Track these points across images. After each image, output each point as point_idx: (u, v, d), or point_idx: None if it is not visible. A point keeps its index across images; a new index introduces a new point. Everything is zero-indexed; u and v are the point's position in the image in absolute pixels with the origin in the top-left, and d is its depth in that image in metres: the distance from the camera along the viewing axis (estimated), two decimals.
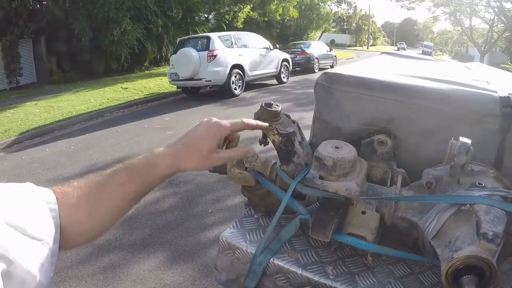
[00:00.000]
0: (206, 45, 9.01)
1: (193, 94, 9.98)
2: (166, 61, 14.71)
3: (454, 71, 1.35)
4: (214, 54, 8.75)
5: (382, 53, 1.78)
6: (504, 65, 16.41)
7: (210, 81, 8.79)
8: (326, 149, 0.84)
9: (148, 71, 15.10)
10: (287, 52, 12.73)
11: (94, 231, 0.58)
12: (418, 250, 0.83)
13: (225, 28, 16.99)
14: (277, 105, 0.86)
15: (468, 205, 0.71)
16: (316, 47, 15.86)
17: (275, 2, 21.49)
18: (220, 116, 7.05)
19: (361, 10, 58.23)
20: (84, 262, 2.63)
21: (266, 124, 0.81)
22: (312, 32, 30.03)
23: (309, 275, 0.79)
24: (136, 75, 14.01)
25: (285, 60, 11.30)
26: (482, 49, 26.51)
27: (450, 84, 1.00)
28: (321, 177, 0.82)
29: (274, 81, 11.25)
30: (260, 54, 10.25)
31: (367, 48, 49.48)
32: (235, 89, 9.19)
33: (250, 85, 10.18)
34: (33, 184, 0.53)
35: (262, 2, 20.83)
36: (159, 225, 3.10)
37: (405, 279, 0.78)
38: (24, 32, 12.29)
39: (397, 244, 0.86)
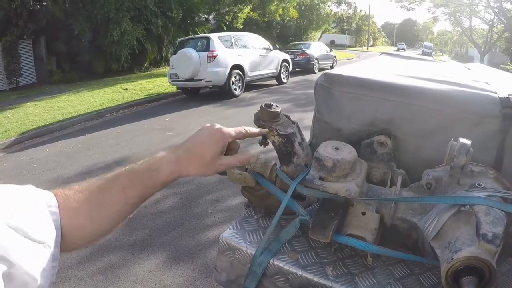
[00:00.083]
0: (206, 45, 9.02)
1: (193, 94, 9.98)
2: (166, 61, 14.71)
3: (453, 72, 1.35)
4: (214, 54, 8.76)
5: (382, 53, 1.78)
6: (504, 66, 16.42)
7: (210, 81, 8.80)
8: (326, 150, 0.84)
9: (148, 72, 15.10)
10: (287, 52, 12.75)
11: (94, 234, 0.58)
12: (418, 251, 0.83)
13: (225, 29, 17.00)
14: (277, 106, 0.86)
15: (468, 206, 0.71)
16: (316, 47, 15.87)
17: (275, 3, 21.51)
18: (221, 116, 7.08)
19: (361, 11, 58.31)
20: (84, 263, 2.63)
21: (267, 129, 0.83)
22: (312, 32, 30.05)
23: (309, 276, 0.79)
24: (136, 75, 14.02)
25: (285, 60, 11.31)
26: (482, 49, 26.53)
27: (450, 85, 1.00)
28: (321, 178, 0.82)
29: (274, 82, 11.25)
30: (260, 55, 10.25)
31: (367, 48, 49.51)
32: (235, 89, 9.19)
33: (250, 86, 10.19)
34: (34, 187, 0.53)
35: (262, 2, 20.84)
36: (159, 226, 3.10)
37: (405, 280, 0.78)
38: (24, 33, 12.30)
39: (397, 245, 0.86)
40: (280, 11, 22.38)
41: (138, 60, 14.74)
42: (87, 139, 6.18)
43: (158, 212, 3.31)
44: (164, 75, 11.93)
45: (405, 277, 0.79)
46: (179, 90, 9.99)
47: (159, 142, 5.58)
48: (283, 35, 26.23)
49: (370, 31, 55.92)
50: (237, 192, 3.36)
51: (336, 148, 0.85)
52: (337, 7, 53.46)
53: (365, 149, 0.97)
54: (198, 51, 8.91)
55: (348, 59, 23.10)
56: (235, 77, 9.18)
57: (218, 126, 0.65)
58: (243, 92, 9.52)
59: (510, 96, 0.90)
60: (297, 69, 14.00)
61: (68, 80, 12.87)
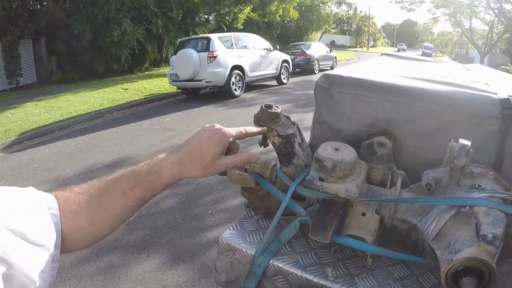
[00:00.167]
0: (206, 46, 9.02)
1: (193, 95, 9.98)
2: (166, 62, 14.72)
3: (454, 73, 1.35)
4: (214, 55, 8.76)
5: (382, 54, 1.79)
6: (504, 67, 16.43)
7: (210, 82, 8.80)
8: (326, 150, 0.84)
9: (148, 72, 15.11)
10: (287, 53, 12.76)
11: (95, 236, 0.58)
12: (417, 252, 0.83)
13: (225, 29, 17.02)
14: (277, 106, 0.86)
15: (468, 207, 0.71)
16: (316, 48, 15.87)
17: (275, 3, 21.53)
18: (221, 117, 7.08)
19: (361, 11, 58.35)
20: (83, 263, 2.63)
21: (266, 128, 0.83)
22: (312, 33, 30.06)
23: (309, 277, 0.79)
24: (136, 76, 14.02)
25: (285, 61, 11.32)
26: (482, 50, 26.54)
27: (450, 86, 1.00)
28: (321, 179, 0.82)
29: (274, 82, 11.26)
30: (260, 55, 10.26)
31: (367, 49, 49.53)
32: (235, 90, 9.20)
33: (250, 86, 10.19)
34: (35, 189, 0.53)
35: (262, 3, 20.86)
36: (159, 226, 3.10)
37: (404, 281, 0.78)
38: (25, 33, 12.31)
39: (397, 245, 0.86)
40: (280, 12, 22.40)
41: (138, 60, 14.74)
42: (87, 139, 6.18)
43: (158, 212, 3.31)
44: (164, 75, 11.93)
45: (405, 278, 0.79)
46: (179, 90, 9.99)
47: (159, 142, 5.58)
48: (283, 36, 26.24)
49: (370, 31, 55.95)
50: (237, 192, 3.36)
51: (336, 149, 0.85)
52: (337, 8, 53.58)
53: (365, 150, 0.97)
54: (198, 51, 8.92)
55: (348, 60, 23.10)
56: (235, 77, 9.18)
57: (218, 126, 0.65)
58: (243, 92, 9.52)
59: (510, 97, 0.90)
60: (297, 69, 14.00)
61: (68, 80, 12.88)
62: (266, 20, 22.82)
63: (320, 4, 30.08)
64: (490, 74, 1.48)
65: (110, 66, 13.90)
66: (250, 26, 20.79)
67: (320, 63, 15.13)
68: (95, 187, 0.58)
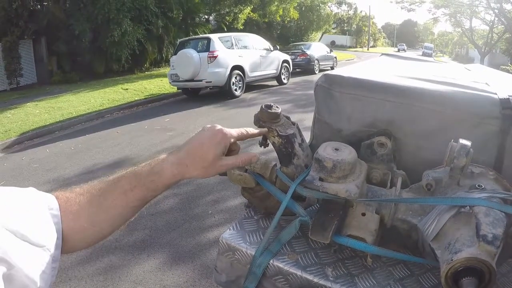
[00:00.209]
0: (206, 46, 9.02)
1: (194, 95, 9.99)
2: (167, 62, 14.72)
3: (454, 73, 1.35)
4: (215, 55, 8.76)
5: (382, 54, 1.78)
6: (504, 67, 16.42)
7: (211, 82, 8.80)
8: (326, 150, 0.84)
9: (149, 72, 15.11)
10: (287, 53, 12.76)
11: (95, 237, 0.58)
12: (418, 252, 0.83)
13: (226, 29, 17.03)
14: (277, 106, 0.86)
15: (468, 207, 0.71)
16: (316, 48, 15.87)
17: (276, 3, 21.53)
18: (221, 117, 7.07)
19: (361, 11, 58.35)
20: (84, 263, 2.63)
21: (266, 129, 0.83)
22: (312, 33, 30.06)
23: (309, 277, 0.79)
24: (137, 76, 14.03)
25: (285, 61, 11.32)
26: (483, 50, 26.53)
27: (450, 86, 1.00)
28: (321, 179, 0.82)
29: (275, 82, 11.26)
30: (261, 55, 10.26)
31: (368, 49, 49.52)
32: (236, 90, 9.20)
33: (250, 86, 10.20)
34: (35, 189, 0.53)
35: (262, 3, 20.86)
36: (159, 226, 3.10)
37: (404, 281, 0.78)
38: (25, 33, 12.31)
39: (397, 246, 0.86)
40: (281, 12, 22.41)
41: (139, 60, 14.74)
42: (87, 140, 6.18)
43: (158, 212, 3.31)
44: (164, 75, 11.94)
45: (405, 278, 0.79)
46: (179, 90, 10.00)
47: (159, 142, 5.58)
48: (284, 36, 26.25)
49: (370, 32, 55.95)
50: (237, 193, 3.36)
51: (336, 149, 0.85)
52: (338, 8, 53.59)
53: (365, 150, 0.97)
54: (198, 51, 8.92)
55: (348, 60, 23.10)
56: (236, 77, 9.18)
57: (219, 127, 0.65)
58: (244, 92, 9.52)
59: (510, 97, 0.90)
60: (297, 69, 14.01)
61: (68, 81, 12.88)
62: (266, 20, 22.83)
63: (320, 4, 30.10)
64: (490, 74, 1.48)
65: (110, 66, 13.90)
66: (250, 26, 20.79)
67: (320, 63, 15.13)
68: (96, 187, 0.58)
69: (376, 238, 0.79)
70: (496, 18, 23.78)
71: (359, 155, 0.91)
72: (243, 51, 9.74)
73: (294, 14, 23.93)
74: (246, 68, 9.51)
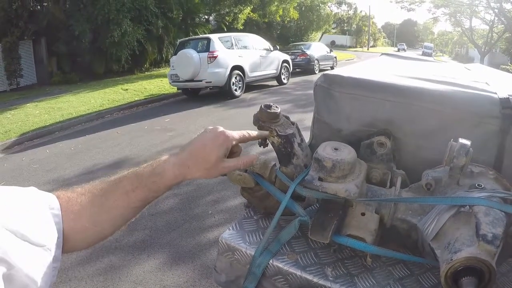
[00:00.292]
0: (206, 46, 9.02)
1: (194, 95, 9.99)
2: (167, 62, 14.73)
3: (454, 72, 1.35)
4: (215, 55, 8.76)
5: (382, 54, 1.78)
6: (504, 66, 16.42)
7: (211, 82, 8.80)
8: (326, 150, 0.84)
9: (149, 73, 15.11)
10: (287, 53, 12.75)
11: (96, 237, 0.58)
12: (417, 252, 0.83)
13: (226, 30, 17.02)
14: (276, 106, 0.86)
15: (468, 206, 0.71)
16: (316, 48, 15.87)
17: (275, 3, 21.52)
18: (221, 117, 7.07)
19: (361, 11, 58.35)
20: (84, 264, 2.63)
21: (267, 132, 0.83)
22: (312, 33, 30.06)
23: (308, 277, 0.78)
24: (137, 76, 14.03)
25: (285, 61, 11.31)
26: (482, 50, 26.52)
27: (449, 86, 1.00)
28: (320, 179, 0.82)
29: (275, 82, 11.26)
30: (260, 55, 10.26)
31: (368, 49, 49.52)
32: (236, 90, 9.20)
33: (250, 86, 10.20)
34: (36, 189, 0.53)
35: (262, 3, 20.86)
36: (159, 227, 3.10)
37: (404, 281, 0.78)
38: (25, 34, 12.31)
39: (396, 245, 0.86)
40: (281, 12, 22.40)
41: (139, 61, 14.75)
42: (87, 140, 6.18)
43: (158, 213, 3.31)
44: (164, 76, 11.94)
45: (404, 277, 0.79)
46: (179, 91, 10.00)
47: (159, 143, 5.58)
48: (284, 36, 26.24)
49: (370, 31, 55.95)
50: (237, 193, 3.36)
51: (336, 149, 0.85)
52: (338, 8, 53.59)
53: (365, 149, 0.97)
54: (198, 51, 8.92)
55: (348, 60, 23.10)
56: (236, 77, 9.18)
57: (221, 129, 0.65)
58: (244, 92, 9.52)
59: (510, 97, 0.90)
60: (297, 69, 14.00)
61: (68, 81, 12.88)
62: (266, 20, 22.82)
63: (320, 4, 30.08)
64: (490, 74, 1.48)
65: (110, 66, 13.90)
66: (250, 27, 20.79)
67: (320, 63, 15.13)
68: (97, 187, 0.58)
69: (375, 238, 0.79)
70: (496, 18, 23.77)
71: (358, 154, 0.91)
72: (243, 51, 9.74)
73: (294, 14, 23.92)
74: (246, 68, 9.51)
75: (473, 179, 0.81)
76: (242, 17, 19.40)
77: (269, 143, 0.88)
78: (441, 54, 62.20)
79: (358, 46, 55.33)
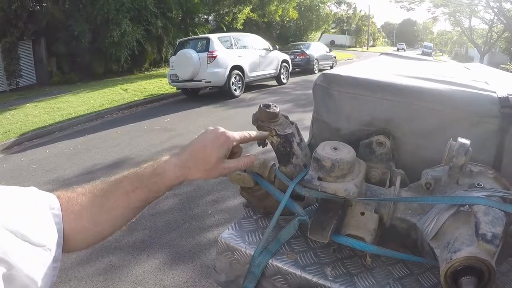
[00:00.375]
0: (205, 46, 9.02)
1: (193, 95, 9.98)
2: (166, 62, 14.72)
3: (453, 72, 1.34)
4: (214, 55, 8.76)
5: (382, 54, 1.78)
6: (503, 66, 16.42)
7: (210, 82, 8.80)
8: (325, 150, 0.84)
9: (148, 73, 15.10)
10: (286, 53, 12.75)
11: (96, 237, 0.58)
12: (417, 251, 0.83)
13: (225, 29, 17.01)
14: (275, 106, 0.86)
15: (467, 206, 0.71)
16: (315, 48, 15.87)
17: (275, 3, 21.50)
18: (221, 117, 7.06)
19: (360, 11, 58.30)
20: (84, 264, 2.63)
21: (267, 132, 0.83)
22: (311, 33, 30.05)
23: (308, 276, 0.78)
24: (136, 76, 14.02)
25: (284, 61, 11.31)
26: (482, 49, 26.52)
27: (449, 85, 1.00)
28: (319, 178, 0.82)
29: (274, 82, 11.26)
30: (260, 55, 10.26)
31: (367, 49, 49.52)
32: (235, 90, 9.20)
33: (250, 86, 10.19)
34: (37, 189, 0.53)
35: (261, 3, 20.83)
36: (159, 227, 3.09)
37: (404, 280, 0.78)
38: (24, 34, 12.30)
39: (396, 245, 0.86)
40: (280, 12, 22.38)
41: (138, 61, 14.73)
42: (87, 140, 6.17)
43: (158, 212, 3.31)
44: (164, 76, 11.93)
45: (404, 277, 0.79)
46: (179, 90, 9.99)
47: (159, 142, 5.57)
48: (283, 36, 26.23)
49: (370, 31, 55.94)
50: (237, 192, 3.35)
51: (335, 148, 0.85)
52: (337, 8, 53.56)
53: (364, 149, 0.97)
54: (198, 51, 8.91)
55: (348, 60, 23.10)
56: (235, 77, 9.18)
57: (222, 129, 0.65)
58: (243, 92, 9.52)
59: (509, 96, 0.90)
60: (297, 69, 13.99)
61: (68, 81, 12.87)
62: (265, 20, 22.80)
63: (320, 4, 30.07)
64: (490, 73, 1.48)
65: (109, 66, 13.89)
66: (249, 26, 20.78)
67: (319, 62, 15.12)
68: (98, 188, 0.58)
69: (375, 237, 0.79)
70: (496, 17, 23.76)
71: (357, 154, 0.90)
72: (242, 51, 9.74)
73: (293, 14, 23.90)
74: (246, 68, 9.51)
75: (473, 178, 0.81)
76: (241, 17, 19.39)
77: (268, 143, 0.88)
78: (441, 53, 62.22)
79: (357, 46, 55.33)
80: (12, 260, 0.40)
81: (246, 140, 0.69)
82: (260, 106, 0.85)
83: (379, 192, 0.88)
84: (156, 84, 11.54)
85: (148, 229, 3.05)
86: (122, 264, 2.62)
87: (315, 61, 14.67)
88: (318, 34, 32.98)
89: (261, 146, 0.89)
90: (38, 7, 13.63)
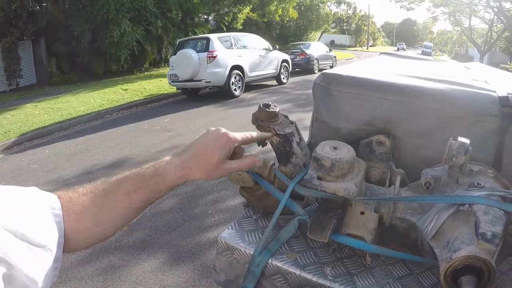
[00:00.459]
0: (205, 46, 9.02)
1: (193, 95, 9.98)
2: (166, 62, 14.72)
3: (453, 71, 1.34)
4: (214, 55, 8.76)
5: (381, 53, 1.78)
6: (503, 65, 16.43)
7: (210, 82, 8.80)
8: (324, 149, 0.84)
9: (148, 73, 15.10)
10: (286, 53, 12.75)
11: (97, 237, 0.58)
12: (417, 251, 0.83)
13: (225, 29, 17.00)
14: (275, 106, 0.86)
15: (467, 205, 0.71)
16: (315, 48, 15.87)
17: (275, 3, 21.49)
18: (220, 117, 7.06)
19: (360, 11, 58.35)
20: (83, 264, 2.63)
21: (270, 133, 0.83)
22: (311, 32, 30.05)
23: (308, 276, 0.78)
24: (136, 76, 14.02)
25: (284, 61, 11.31)
26: (482, 49, 26.51)
27: (449, 84, 1.00)
28: (319, 178, 0.81)
29: (274, 82, 11.26)
30: (260, 55, 10.26)
31: (367, 48, 49.53)
32: (235, 90, 9.19)
33: (249, 86, 10.19)
34: (38, 189, 0.53)
35: (261, 3, 20.83)
36: (159, 226, 3.09)
37: (404, 280, 0.78)
38: (24, 34, 12.31)
39: (396, 244, 0.86)
40: (280, 12, 22.37)
41: (138, 61, 14.73)
42: (86, 140, 6.17)
43: (158, 212, 3.31)
44: (163, 76, 11.93)
45: (404, 276, 0.79)
46: (178, 90, 9.99)
47: (158, 142, 5.57)
48: (283, 36, 26.23)
49: (369, 31, 55.94)
50: (237, 192, 3.35)
51: (335, 148, 0.85)
52: (337, 7, 53.59)
53: (364, 148, 0.97)
54: (197, 51, 8.91)
55: (347, 59, 23.10)
56: (235, 77, 9.18)
57: (224, 130, 0.65)
58: (243, 92, 9.52)
59: (509, 95, 0.90)
60: (296, 69, 14.00)
61: (67, 81, 12.87)
62: (265, 20, 22.80)
63: (320, 4, 30.07)
64: (490, 73, 1.48)
65: (109, 67, 13.89)
66: (249, 26, 20.78)
67: (319, 62, 15.12)
68: (99, 188, 0.58)
69: (375, 237, 0.79)
70: (495, 17, 23.75)
71: (357, 153, 0.90)
72: (242, 51, 9.74)
73: (293, 13, 23.90)
74: (246, 68, 9.51)
75: (472, 177, 0.81)
76: (241, 17, 19.39)
77: (268, 143, 0.88)
78: (441, 53, 62.20)
79: (357, 46, 55.34)
80: (12, 260, 0.40)
81: (248, 141, 0.69)
82: (259, 105, 0.85)
83: (379, 191, 0.88)
84: (156, 84, 11.54)
85: (148, 229, 3.05)
86: (122, 264, 2.62)
87: (315, 61, 14.67)
88: (318, 34, 32.98)
89: (260, 146, 0.89)
90: (38, 7, 13.63)
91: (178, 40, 10.48)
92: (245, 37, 10.68)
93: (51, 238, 0.48)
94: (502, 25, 23.27)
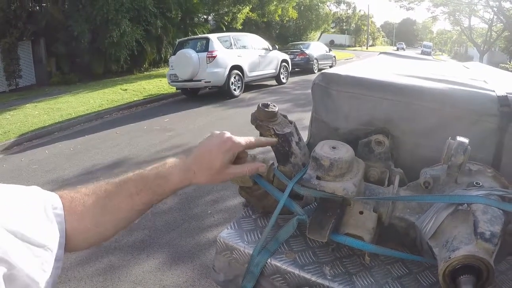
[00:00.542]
0: (205, 46, 9.02)
1: (193, 95, 9.98)
2: (166, 62, 14.72)
3: (452, 71, 1.34)
4: (213, 55, 8.76)
5: (381, 53, 1.78)
6: (503, 65, 16.43)
7: (210, 82, 8.80)
8: (323, 149, 0.84)
9: (148, 73, 15.10)
10: (286, 52, 12.75)
11: (98, 238, 0.58)
12: (415, 250, 0.83)
13: (224, 29, 17.01)
14: (274, 105, 0.86)
15: (466, 204, 0.71)
16: (315, 47, 15.87)
17: (274, 3, 21.49)
18: (220, 117, 7.05)
19: (360, 11, 58.36)
20: (83, 264, 2.63)
21: (275, 139, 0.83)
22: (311, 32, 30.04)
23: (307, 276, 0.78)
24: (136, 76, 14.02)
25: (284, 60, 11.31)
26: (481, 48, 26.54)
27: (448, 84, 1.00)
28: (318, 178, 0.81)
29: (274, 82, 11.26)
30: (259, 55, 10.25)
31: (367, 48, 49.54)
32: (235, 90, 9.19)
33: (249, 86, 10.19)
34: (39, 188, 0.53)
35: (261, 3, 20.82)
36: (158, 226, 3.09)
37: (403, 279, 0.78)
38: (24, 34, 12.31)
39: (394, 244, 0.86)
40: (279, 12, 22.36)
41: (138, 61, 14.73)
42: (86, 140, 6.17)
43: (157, 212, 3.31)
44: (163, 76, 11.93)
45: (403, 276, 0.79)
46: (178, 90, 9.99)
47: (158, 142, 5.57)
48: (282, 35, 26.22)
49: (369, 31, 55.94)
50: (236, 192, 3.34)
51: (333, 148, 0.85)
52: (336, 7, 53.60)
53: (363, 148, 0.97)
54: (197, 51, 8.91)
55: (347, 59, 23.11)
56: (235, 77, 9.18)
57: (228, 134, 0.65)
58: (243, 92, 9.52)
59: (508, 95, 0.90)
60: (296, 69, 13.99)
61: (67, 82, 12.87)
62: (265, 20, 22.79)
63: (319, 4, 30.05)
64: (489, 72, 1.48)
65: (109, 67, 13.89)
66: (249, 26, 20.77)
67: (319, 62, 15.12)
68: (102, 189, 0.58)
69: (374, 237, 0.79)
70: (495, 16, 23.77)
71: (356, 153, 0.90)
72: (242, 51, 9.73)
73: (293, 13, 23.89)
74: (245, 68, 9.50)
75: (471, 177, 0.81)
76: (241, 16, 19.39)
77: None
78: (440, 53, 62.21)
79: (357, 45, 55.35)
80: (12, 260, 0.40)
81: (251, 146, 0.69)
82: (259, 105, 0.85)
83: (378, 191, 0.88)
84: (156, 84, 11.54)
85: (148, 229, 3.05)
86: (122, 264, 2.62)
87: (315, 60, 14.67)
88: (318, 33, 32.97)
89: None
90: (37, 8, 13.64)
91: (178, 40, 10.48)
92: (245, 37, 10.68)
93: (52, 238, 0.48)
94: (501, 24, 23.29)
